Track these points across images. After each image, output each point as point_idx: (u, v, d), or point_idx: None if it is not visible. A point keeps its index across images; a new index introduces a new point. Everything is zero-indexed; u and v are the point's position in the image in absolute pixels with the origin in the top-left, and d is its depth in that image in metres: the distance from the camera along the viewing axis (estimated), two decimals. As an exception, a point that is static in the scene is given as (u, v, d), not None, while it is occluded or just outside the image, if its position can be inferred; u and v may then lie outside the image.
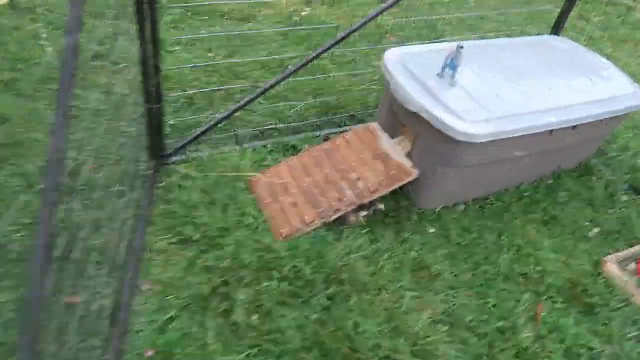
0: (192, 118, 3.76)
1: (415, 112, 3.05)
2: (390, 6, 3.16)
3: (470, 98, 3.07)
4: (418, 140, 3.28)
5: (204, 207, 3.13)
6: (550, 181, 3.86)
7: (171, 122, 3.64)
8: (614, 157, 4.29)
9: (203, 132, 3.44)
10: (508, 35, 6.02)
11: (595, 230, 3.55)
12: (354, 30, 3.24)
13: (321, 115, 4.06)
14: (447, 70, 3.15)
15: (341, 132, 3.98)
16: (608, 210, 3.72)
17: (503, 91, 3.18)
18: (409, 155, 3.37)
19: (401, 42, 5.37)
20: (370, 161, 3.34)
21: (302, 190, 3.27)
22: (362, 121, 4.14)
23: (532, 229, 3.48)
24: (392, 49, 3.47)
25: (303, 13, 5.33)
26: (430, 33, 5.75)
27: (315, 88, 4.33)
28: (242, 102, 3.41)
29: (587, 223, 3.61)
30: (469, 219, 3.46)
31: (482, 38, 5.72)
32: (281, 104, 4.08)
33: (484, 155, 3.12)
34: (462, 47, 2.98)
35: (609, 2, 7.21)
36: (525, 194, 3.71)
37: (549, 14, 5.95)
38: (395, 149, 3.39)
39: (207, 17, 5.08)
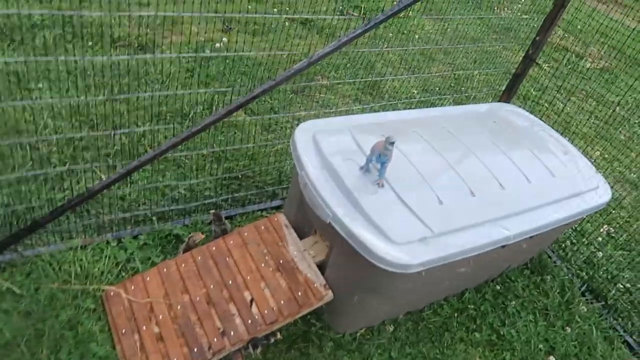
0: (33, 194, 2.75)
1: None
2: (335, 51, 2.34)
3: (404, 205, 2.28)
4: (334, 250, 2.45)
5: (24, 345, 2.16)
6: (499, 287, 3.14)
7: None
8: (569, 247, 3.65)
9: (44, 220, 2.45)
10: (455, 79, 5.36)
11: (551, 359, 2.86)
12: (283, 81, 2.40)
13: (220, 189, 3.16)
14: (373, 163, 2.35)
15: (244, 213, 3.10)
16: (565, 328, 3.04)
17: (447, 193, 2.42)
18: (323, 265, 2.54)
19: (332, 86, 4.56)
20: (270, 274, 2.48)
21: (174, 315, 2.36)
22: (274, 196, 3.28)
23: (476, 355, 2.74)
24: (306, 123, 2.63)
25: (218, 44, 4.41)
26: (368, 74, 4.98)
27: (216, 148, 3.42)
28: (111, 178, 2.44)
29: (541, 346, 2.91)
30: (399, 345, 2.69)
31: (426, 82, 5.02)
32: (167, 174, 3.15)
33: (418, 282, 2.34)
34: (392, 143, 2.18)
35: (556, 46, 6.75)
36: (470, 305, 2.98)
37: (500, 56, 5.33)
38: (305, 257, 2.55)
39: (92, 43, 4.05)
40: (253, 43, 4.78)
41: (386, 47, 5.42)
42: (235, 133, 3.64)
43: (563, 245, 3.65)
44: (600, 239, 3.82)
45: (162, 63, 4.08)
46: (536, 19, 4.26)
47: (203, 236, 2.65)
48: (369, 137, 2.59)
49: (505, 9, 7.30)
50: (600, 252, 3.64)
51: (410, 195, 2.33)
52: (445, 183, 2.49)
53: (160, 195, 2.98)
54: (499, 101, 3.61)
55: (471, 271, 2.67)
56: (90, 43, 4.05)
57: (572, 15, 3.99)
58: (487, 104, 3.47)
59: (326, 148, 2.46)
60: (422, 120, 2.97)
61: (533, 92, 5.59)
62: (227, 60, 4.23)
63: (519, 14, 7.11)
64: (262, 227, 2.68)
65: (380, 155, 2.25)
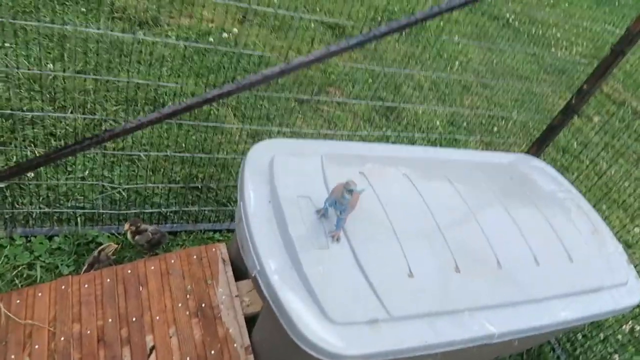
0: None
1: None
2: (349, 49, 1.82)
3: (359, 271, 1.73)
4: (264, 309, 1.93)
5: None
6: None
7: None
8: (579, 342, 3.00)
9: None
10: (489, 117, 4.74)
11: None
12: (246, 87, 1.90)
13: (174, 198, 2.68)
14: (332, 209, 1.81)
15: (191, 232, 2.60)
16: None
17: (423, 264, 1.86)
18: (252, 319, 2.02)
19: (343, 102, 4.03)
20: (185, 319, 1.98)
21: (54, 347, 1.89)
22: (230, 215, 2.78)
23: None
24: (267, 142, 2.12)
25: (226, 35, 3.94)
26: (389, 95, 4.43)
27: (184, 148, 2.95)
28: (30, 161, 1.99)
29: None
30: None
31: (454, 115, 4.43)
32: (116, 169, 2.69)
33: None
34: (351, 191, 1.65)
35: (612, 98, 6.02)
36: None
37: (546, 101, 4.69)
38: (235, 305, 2.04)
39: (85, 10, 3.65)
40: (268, 40, 4.31)
41: (418, 70, 4.86)
42: (214, 135, 3.16)
43: (572, 337, 3.01)
44: (620, 337, 3.15)
45: (157, 45, 3.65)
46: (595, 64, 3.66)
47: (117, 247, 2.18)
48: (344, 171, 2.07)
49: (563, 49, 6.62)
50: (617, 356, 2.97)
51: (372, 258, 1.79)
52: (425, 250, 1.93)
53: (97, 193, 2.51)
54: (527, 152, 3.00)
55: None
56: (84, 10, 3.65)
57: (632, 66, 3.34)
58: (510, 154, 2.88)
59: (281, 178, 1.93)
60: (421, 161, 2.41)
61: (575, 146, 4.92)
62: (230, 54, 3.75)
63: (577, 56, 6.42)
64: (194, 257, 2.18)
65: (337, 203, 1.71)
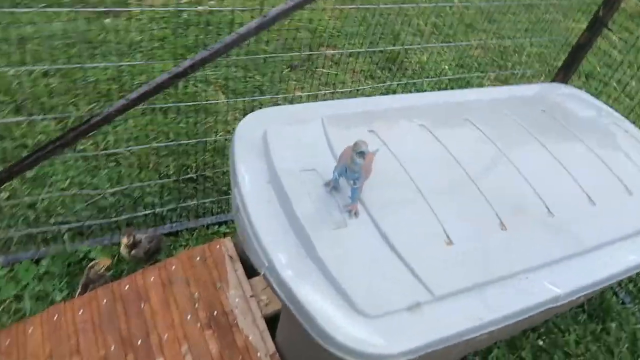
0: None
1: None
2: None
3: (388, 248, 1.43)
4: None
5: None
6: (541, 341, 2.26)
7: None
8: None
9: None
10: (500, 52, 4.34)
11: None
12: (263, 27, 1.61)
13: (168, 194, 2.40)
14: (343, 178, 1.50)
15: (193, 229, 2.32)
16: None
17: (462, 226, 1.56)
18: (274, 319, 1.75)
19: (340, 59, 3.67)
20: (198, 333, 1.71)
21: (54, 387, 1.64)
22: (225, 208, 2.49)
23: None
24: (257, 113, 1.81)
25: (201, 7, 3.59)
26: (388, 44, 4.05)
27: (172, 137, 2.65)
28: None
29: None
30: None
31: (462, 55, 4.04)
32: (101, 173, 2.41)
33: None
34: (362, 153, 1.33)
35: (631, 14, 5.53)
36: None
37: (558, 26, 4.27)
38: (252, 307, 1.76)
39: (45, 3, 3.33)
40: (250, 7, 3.94)
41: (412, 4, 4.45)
42: (205, 118, 2.85)
43: (634, 277, 2.70)
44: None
45: (128, 30, 3.31)
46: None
47: (108, 262, 1.91)
48: (350, 132, 1.75)
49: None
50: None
51: (401, 230, 1.48)
52: (461, 209, 1.62)
53: (82, 203, 2.24)
54: (552, 81, 2.64)
55: (497, 334, 1.80)
56: (44, 3, 3.32)
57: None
58: (536, 85, 2.52)
59: (279, 152, 1.62)
60: (436, 108, 2.08)
61: (599, 70, 4.50)
62: (209, 30, 3.41)
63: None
64: (197, 259, 1.90)
65: (348, 171, 1.40)
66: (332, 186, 1.53)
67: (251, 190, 1.53)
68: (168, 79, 1.71)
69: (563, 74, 2.66)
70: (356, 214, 1.48)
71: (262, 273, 1.40)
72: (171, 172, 2.48)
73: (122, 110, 1.74)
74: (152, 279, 1.85)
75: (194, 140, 2.36)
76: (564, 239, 1.65)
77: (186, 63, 1.68)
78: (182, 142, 2.34)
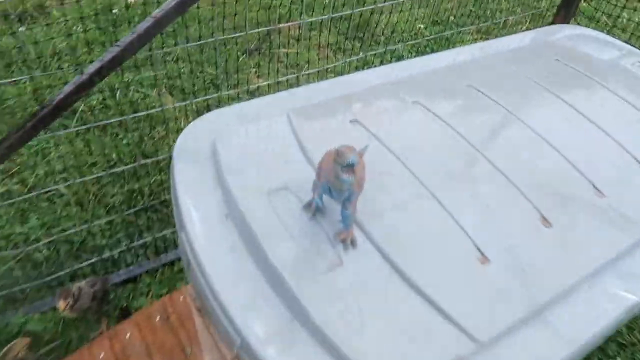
0: None
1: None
2: None
3: (406, 288, 1.02)
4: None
5: None
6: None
7: None
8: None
9: None
10: (476, 1, 3.89)
11: None
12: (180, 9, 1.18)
13: (118, 230, 1.96)
14: (326, 197, 1.08)
15: (154, 270, 1.89)
16: None
17: (496, 231, 1.15)
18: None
19: (301, 35, 3.22)
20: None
21: None
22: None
23: None
24: (203, 119, 1.37)
25: (132, 0, 3.09)
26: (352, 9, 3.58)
27: (116, 159, 2.20)
28: None
29: None
30: None
31: (435, 10, 3.59)
32: (32, 217, 1.96)
33: None
34: (350, 166, 0.90)
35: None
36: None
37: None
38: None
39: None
40: None
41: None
42: (154, 129, 2.39)
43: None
44: None
45: (48, 36, 2.81)
46: None
47: (27, 341, 1.48)
48: (327, 127, 1.32)
49: None
50: None
51: (417, 253, 1.07)
52: (489, 209, 1.20)
53: (10, 261, 1.79)
54: (552, 23, 2.22)
55: None
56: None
57: None
58: (537, 31, 2.10)
59: (235, 170, 1.19)
60: (429, 78, 1.65)
61: (583, 4, 4.07)
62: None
63: None
64: (157, 319, 1.47)
65: (333, 190, 0.98)
66: (314, 208, 1.10)
67: (204, 234, 1.10)
68: (76, 89, 1.26)
69: (564, 15, 2.24)
70: (353, 242, 1.06)
71: (234, 352, 0.98)
72: (119, 203, 2.03)
73: (27, 136, 1.30)
74: (101, 356, 1.42)
75: (131, 165, 1.91)
76: (625, 224, 1.25)
77: (91, 68, 1.23)
78: (123, 168, 1.89)
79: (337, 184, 0.95)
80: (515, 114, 1.46)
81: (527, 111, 1.48)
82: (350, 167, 0.90)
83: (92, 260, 1.80)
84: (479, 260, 1.10)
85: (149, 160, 1.94)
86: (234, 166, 1.20)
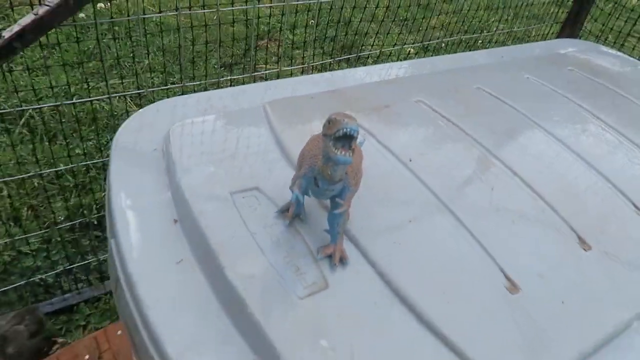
0: None
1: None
2: None
3: (415, 320, 0.73)
4: None
5: None
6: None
7: None
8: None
9: None
10: (467, 29, 3.77)
11: None
12: None
13: (57, 250, 1.65)
14: (309, 200, 0.80)
15: (97, 299, 1.57)
16: None
17: (524, 253, 0.88)
18: None
19: (284, 53, 3.01)
20: None
21: None
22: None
23: None
24: (145, 111, 1.10)
25: (102, 5, 2.86)
26: (340, 35, 3.42)
27: (54, 162, 1.91)
28: None
29: None
30: None
31: (423, 40, 3.45)
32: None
33: None
34: (349, 137, 0.64)
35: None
36: None
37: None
38: None
39: None
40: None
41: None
42: (109, 141, 2.09)
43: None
44: None
45: None
46: None
47: None
48: (312, 123, 1.06)
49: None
50: None
51: (427, 278, 0.79)
52: (516, 227, 0.95)
53: None
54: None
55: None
56: None
57: None
58: (544, 43, 1.92)
59: (190, 169, 0.91)
60: (432, 77, 1.42)
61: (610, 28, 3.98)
62: (119, 25, 2.67)
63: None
64: (86, 358, 1.14)
65: (320, 180, 0.71)
66: (294, 214, 0.83)
67: (141, 243, 0.81)
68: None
69: (569, 31, 2.07)
70: (342, 260, 0.79)
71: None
72: (62, 218, 1.71)
73: None
74: (8, 407, 1.08)
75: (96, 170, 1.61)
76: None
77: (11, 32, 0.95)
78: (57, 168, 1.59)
79: (327, 169, 0.68)
80: (538, 122, 1.23)
81: (546, 117, 1.25)
82: (348, 140, 0.63)
83: (18, 284, 1.47)
84: (506, 289, 0.83)
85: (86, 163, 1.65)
86: (191, 163, 0.93)
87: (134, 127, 1.03)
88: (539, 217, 0.98)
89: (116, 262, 0.80)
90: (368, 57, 3.26)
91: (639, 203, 1.07)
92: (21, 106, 2.04)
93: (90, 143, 2.07)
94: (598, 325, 0.83)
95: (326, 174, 0.71)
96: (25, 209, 1.74)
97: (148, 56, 2.68)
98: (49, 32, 1.19)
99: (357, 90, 1.26)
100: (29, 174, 1.50)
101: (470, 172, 1.05)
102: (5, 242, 1.55)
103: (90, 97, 2.06)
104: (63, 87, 2.22)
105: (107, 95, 1.42)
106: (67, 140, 1.99)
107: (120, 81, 2.32)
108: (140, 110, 1.07)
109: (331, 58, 3.07)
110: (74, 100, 1.56)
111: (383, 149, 1.02)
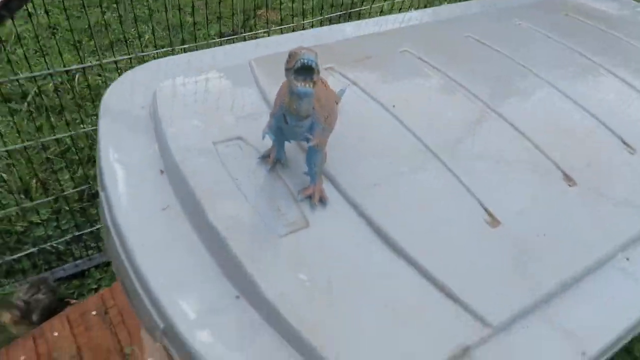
0: None
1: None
2: None
3: (392, 253, 0.76)
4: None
5: None
6: None
7: None
8: None
9: None
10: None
11: None
12: None
13: (65, 220, 1.71)
14: (290, 150, 0.83)
15: (104, 266, 1.64)
16: None
17: (505, 186, 0.89)
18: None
19: (283, 19, 2.99)
20: None
21: None
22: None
23: None
24: (134, 71, 1.13)
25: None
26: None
27: (68, 145, 1.96)
28: None
29: None
30: None
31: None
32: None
33: None
34: (306, 68, 0.65)
35: None
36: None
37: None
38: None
39: None
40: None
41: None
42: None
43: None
44: None
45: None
46: None
47: None
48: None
49: None
50: None
51: (405, 214, 0.81)
52: (498, 165, 0.96)
53: None
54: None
55: None
56: None
57: None
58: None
59: (176, 123, 0.94)
60: (419, 29, 1.41)
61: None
62: (117, 4, 2.68)
63: None
64: (92, 313, 1.20)
65: (288, 117, 0.73)
66: (275, 159, 0.85)
67: (129, 192, 0.84)
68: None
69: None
70: (322, 200, 0.81)
71: (156, 342, 0.72)
72: (70, 190, 1.76)
73: None
74: (22, 359, 1.15)
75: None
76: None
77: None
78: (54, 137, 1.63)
79: (292, 103, 0.70)
80: (526, 65, 1.22)
81: (534, 61, 1.24)
82: (308, 73, 0.65)
83: (32, 250, 1.53)
84: (485, 222, 0.84)
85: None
86: (176, 117, 0.95)
87: (123, 86, 1.05)
88: (524, 157, 0.99)
89: (106, 213, 0.83)
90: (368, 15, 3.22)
91: (627, 139, 1.07)
92: (24, 85, 2.08)
93: (95, 117, 2.10)
94: (580, 256, 0.84)
95: (292, 109, 0.72)
96: (34, 181, 1.79)
97: (153, 32, 2.70)
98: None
99: (344, 44, 1.26)
100: (30, 142, 1.55)
101: (455, 116, 1.05)
102: (17, 213, 1.61)
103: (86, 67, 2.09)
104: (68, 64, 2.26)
105: (97, 62, 1.44)
106: (66, 114, 2.03)
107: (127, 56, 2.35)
108: (130, 70, 1.09)
109: (330, 23, 3.04)
110: (66, 68, 1.59)
111: (366, 96, 1.03)
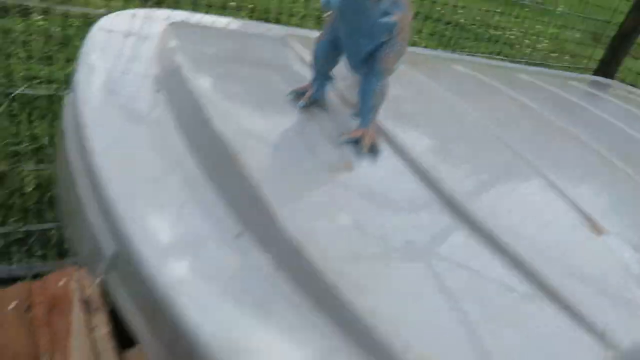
0: None
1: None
2: None
3: (472, 232, 0.51)
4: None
5: None
6: None
7: None
8: None
9: None
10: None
11: None
12: None
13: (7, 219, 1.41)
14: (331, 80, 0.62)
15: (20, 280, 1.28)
16: None
17: (608, 198, 0.66)
18: None
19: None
20: None
21: None
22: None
23: None
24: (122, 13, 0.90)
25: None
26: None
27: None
28: None
29: None
30: None
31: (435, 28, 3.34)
32: None
33: None
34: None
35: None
36: None
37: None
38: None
39: None
40: None
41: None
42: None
43: None
44: None
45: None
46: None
47: None
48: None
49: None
50: None
51: (489, 193, 0.58)
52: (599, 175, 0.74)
53: None
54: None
55: None
56: None
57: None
58: (572, 75, 1.79)
59: (190, 50, 0.72)
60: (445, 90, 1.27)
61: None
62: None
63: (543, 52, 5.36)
64: (12, 306, 0.87)
65: (349, 24, 0.53)
66: (311, 99, 0.63)
67: (103, 96, 0.60)
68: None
69: (604, 71, 1.97)
70: (373, 147, 0.57)
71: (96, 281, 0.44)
72: (31, 189, 1.49)
73: None
74: None
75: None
76: None
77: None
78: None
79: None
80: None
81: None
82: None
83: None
84: (589, 230, 0.61)
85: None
86: (193, 46, 0.74)
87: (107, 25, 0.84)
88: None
89: (69, 113, 0.59)
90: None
91: None
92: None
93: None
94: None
95: (365, 11, 0.51)
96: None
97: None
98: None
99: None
100: None
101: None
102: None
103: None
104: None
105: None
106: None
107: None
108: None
109: None
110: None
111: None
